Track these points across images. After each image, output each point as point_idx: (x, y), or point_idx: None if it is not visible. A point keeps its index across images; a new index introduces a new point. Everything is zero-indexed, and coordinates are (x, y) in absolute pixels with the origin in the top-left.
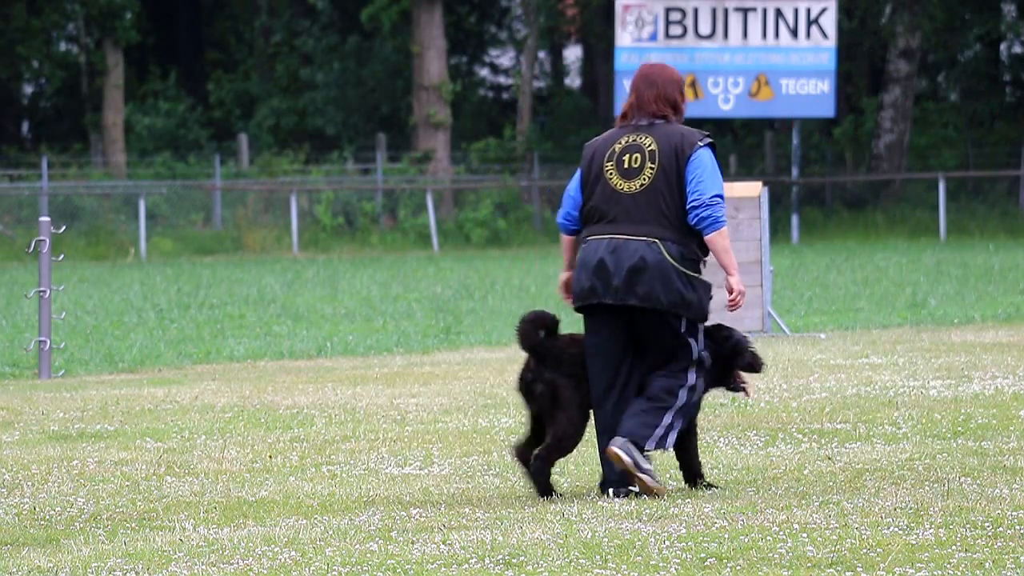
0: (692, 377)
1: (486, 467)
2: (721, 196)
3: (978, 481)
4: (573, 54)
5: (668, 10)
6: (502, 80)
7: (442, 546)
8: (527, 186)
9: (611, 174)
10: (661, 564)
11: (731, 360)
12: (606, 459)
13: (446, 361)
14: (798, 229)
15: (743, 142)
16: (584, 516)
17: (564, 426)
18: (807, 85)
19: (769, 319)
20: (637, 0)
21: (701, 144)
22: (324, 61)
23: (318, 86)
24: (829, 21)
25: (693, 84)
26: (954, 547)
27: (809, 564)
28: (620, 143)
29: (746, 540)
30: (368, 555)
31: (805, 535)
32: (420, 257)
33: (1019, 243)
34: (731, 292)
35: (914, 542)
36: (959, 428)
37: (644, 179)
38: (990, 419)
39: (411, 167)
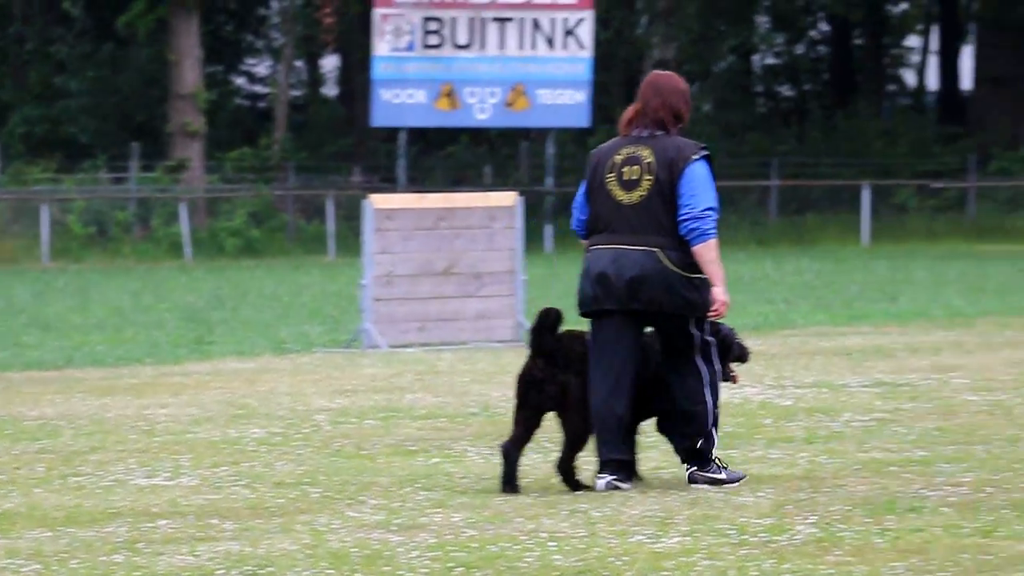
0: (702, 366)
1: (235, 478)
2: (713, 209)
3: (724, 489)
4: (330, 63)
5: (426, 20)
6: (258, 89)
7: (189, 557)
8: (281, 195)
9: (612, 185)
10: (410, 574)
11: (724, 355)
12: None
13: (197, 371)
14: (552, 239)
15: (499, 152)
16: (333, 527)
17: (578, 424)
18: (563, 95)
19: (521, 328)
20: (395, 10)
21: (696, 157)
22: (78, 69)
23: (72, 94)
24: (586, 31)
25: (450, 94)
26: (699, 555)
27: (556, 572)
28: (621, 154)
29: (495, 549)
30: (114, 567)
31: (553, 544)
32: (173, 267)
33: (769, 253)
34: (714, 299)
35: (660, 550)
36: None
37: (642, 191)
38: (738, 427)
39: (165, 176)
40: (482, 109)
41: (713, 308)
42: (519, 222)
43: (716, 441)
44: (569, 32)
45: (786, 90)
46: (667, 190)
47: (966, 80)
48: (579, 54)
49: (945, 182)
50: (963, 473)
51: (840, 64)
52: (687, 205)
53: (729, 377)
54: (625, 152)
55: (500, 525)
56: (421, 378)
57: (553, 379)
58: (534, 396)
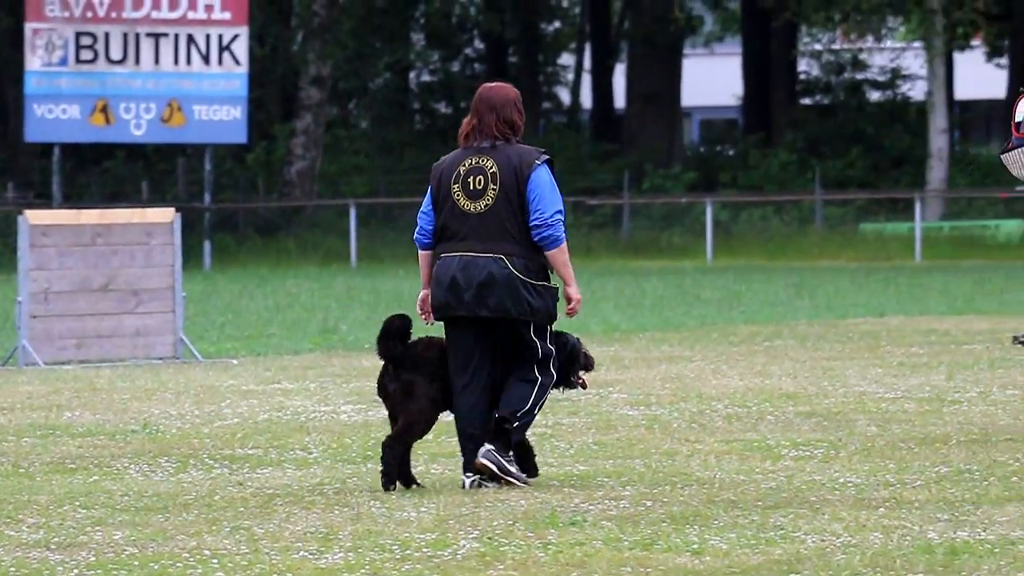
0: (540, 374)
1: None
2: (561, 212)
3: (387, 505)
4: None
5: (79, 34)
6: None
7: None
8: None
9: (458, 195)
10: None
11: (570, 365)
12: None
13: None
14: (210, 255)
15: (155, 168)
16: None
17: (414, 413)
18: (219, 111)
19: (181, 345)
20: (46, 24)
21: (538, 163)
22: None
23: None
24: (241, 48)
25: (105, 110)
26: (363, 570)
27: None
28: (464, 165)
29: (156, 567)
30: None
31: (216, 561)
32: None
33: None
34: (569, 301)
35: (323, 566)
36: (369, 452)
37: (488, 199)
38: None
39: None
40: (138, 125)
41: (569, 307)
42: (177, 239)
43: (522, 438)
44: (224, 48)
45: (443, 107)
46: (513, 198)
47: (619, 98)
48: (235, 70)
49: (600, 199)
50: (623, 487)
51: (495, 81)
52: (537, 211)
53: (576, 384)
54: (469, 163)
55: (162, 543)
56: (79, 395)
57: (397, 380)
58: (383, 398)
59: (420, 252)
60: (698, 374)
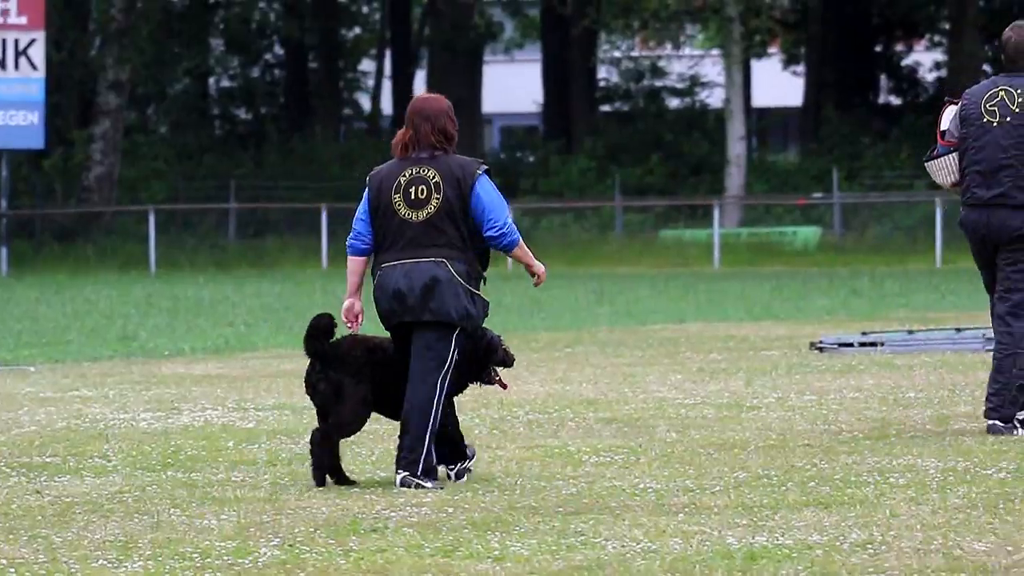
0: (441, 384)
1: None
2: (510, 215)
3: (187, 512)
4: None
5: None
6: None
7: None
8: None
9: (399, 205)
10: None
11: (487, 357)
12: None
13: None
14: (7, 262)
15: None
16: None
17: (345, 414)
18: (16, 116)
19: None
20: None
21: (479, 173)
22: None
23: None
24: (38, 52)
25: None
26: None
27: None
28: (405, 175)
29: None
30: None
31: (13, 570)
32: None
33: (229, 276)
34: (536, 275)
35: (123, 574)
36: (169, 460)
37: (431, 208)
38: (199, 450)
39: None
40: None
41: (538, 277)
42: None
43: (433, 453)
44: (21, 53)
45: (243, 113)
46: (456, 206)
47: None
48: (31, 75)
49: None
50: (424, 493)
51: (296, 88)
52: (491, 220)
53: (493, 382)
54: (409, 173)
55: None
56: None
57: (326, 378)
58: (312, 395)
59: (350, 258)
60: None
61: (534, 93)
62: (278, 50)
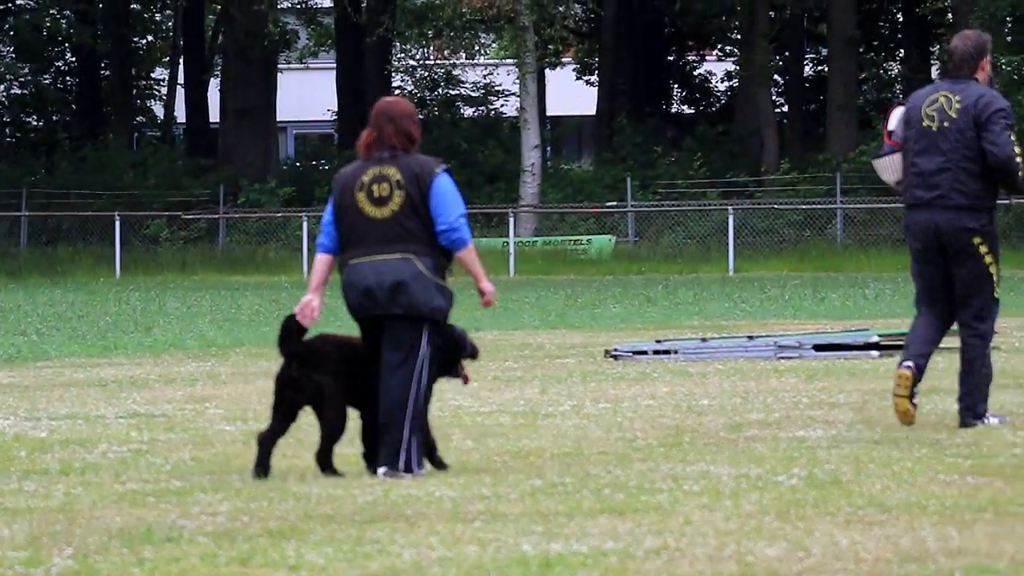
0: (418, 376)
1: None
2: (464, 215)
3: None
4: None
5: None
6: None
7: None
8: None
9: (363, 203)
10: None
11: (456, 352)
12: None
13: None
14: None
15: None
16: None
17: (333, 420)
18: None
19: None
20: None
21: (439, 171)
22: None
23: None
24: None
25: None
26: None
27: None
28: (368, 174)
29: None
30: None
31: None
32: None
33: (21, 284)
34: (484, 294)
35: None
36: None
37: (394, 206)
38: None
39: None
40: None
41: (484, 299)
42: None
43: (412, 465)
44: None
45: (34, 120)
46: (418, 203)
47: (214, 112)
48: None
49: (195, 213)
50: (219, 502)
51: (88, 95)
52: (442, 216)
53: (460, 375)
54: (372, 172)
55: None
56: None
57: (309, 379)
58: (290, 395)
59: (318, 256)
60: None
61: (329, 101)
62: (70, 57)
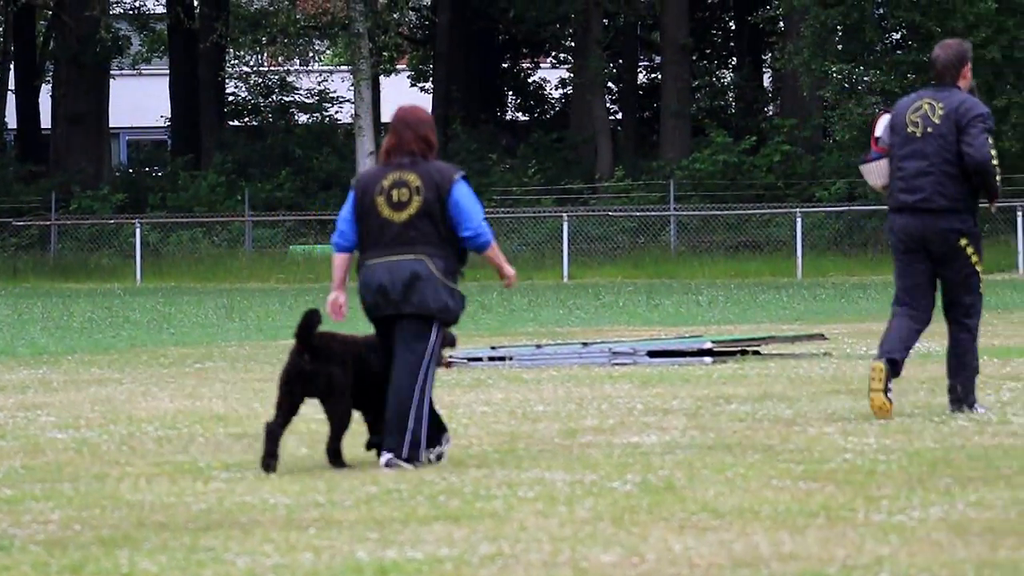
0: (424, 371)
1: None
2: (484, 218)
3: None
4: None
5: None
6: None
7: None
8: None
9: (382, 207)
10: None
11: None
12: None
13: None
14: None
15: None
16: None
17: (341, 411)
18: None
19: None
20: None
21: (457, 179)
22: None
23: None
24: None
25: None
26: None
27: None
28: (388, 179)
29: None
30: None
31: None
32: None
33: None
34: (506, 277)
35: None
36: None
37: (412, 210)
38: None
39: None
40: None
41: (508, 280)
42: None
43: (419, 451)
44: None
45: None
46: (435, 209)
47: (46, 119)
48: None
49: (27, 220)
50: (51, 511)
51: None
52: (467, 223)
53: (444, 363)
54: (392, 177)
55: None
56: None
57: (319, 371)
58: (299, 386)
59: (335, 255)
60: (128, 396)
61: (162, 107)
62: None
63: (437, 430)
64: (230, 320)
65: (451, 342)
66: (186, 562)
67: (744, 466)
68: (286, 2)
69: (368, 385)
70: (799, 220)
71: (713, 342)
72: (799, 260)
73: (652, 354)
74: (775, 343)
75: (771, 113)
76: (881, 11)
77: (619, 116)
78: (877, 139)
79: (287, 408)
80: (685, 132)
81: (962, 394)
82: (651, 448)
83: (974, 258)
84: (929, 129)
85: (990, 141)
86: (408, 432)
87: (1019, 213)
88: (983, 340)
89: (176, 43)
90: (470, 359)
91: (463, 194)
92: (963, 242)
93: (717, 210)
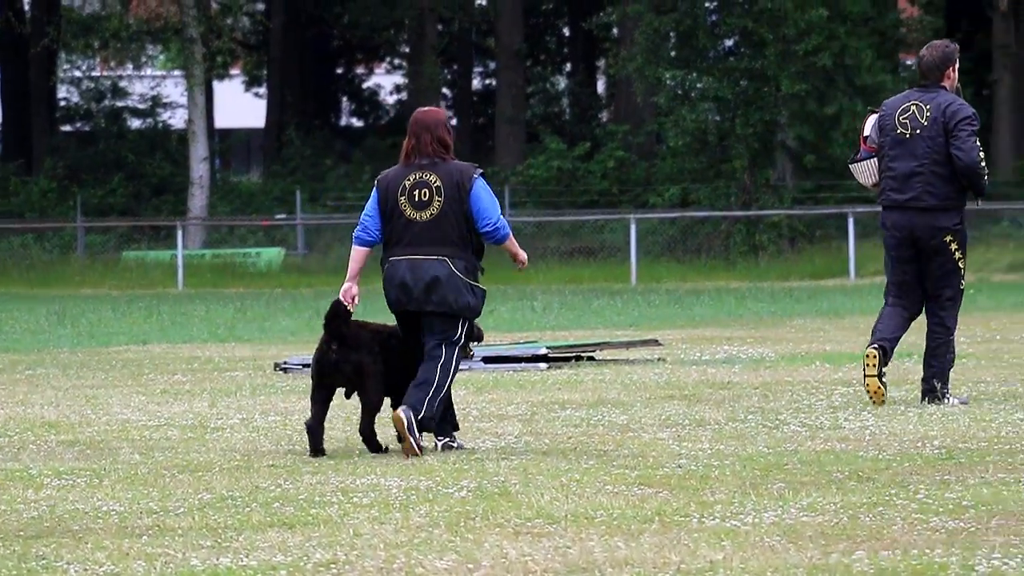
0: (449, 359)
1: None
2: (500, 214)
3: None
4: None
5: None
6: None
7: None
8: None
9: (405, 206)
10: None
11: (468, 335)
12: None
13: None
14: None
15: None
16: None
17: (371, 395)
18: None
19: None
20: None
21: (475, 177)
22: None
23: None
24: None
25: None
26: None
27: None
28: (409, 179)
29: None
30: None
31: None
32: None
33: None
34: (519, 259)
35: None
36: None
37: (433, 210)
38: None
39: None
40: None
41: (520, 262)
42: None
43: (434, 412)
44: None
45: None
46: (456, 208)
47: None
48: None
49: None
50: None
51: None
52: (486, 217)
53: (470, 354)
54: (413, 178)
55: None
56: None
57: (348, 360)
58: (329, 375)
59: (355, 248)
60: None
61: None
62: None
63: (450, 424)
64: (62, 326)
65: (479, 336)
66: (17, 571)
67: (579, 472)
68: (119, 6)
69: (395, 371)
70: (633, 226)
71: (548, 348)
72: (633, 266)
73: (487, 360)
74: (610, 349)
75: (605, 119)
76: (714, 18)
77: (454, 122)
78: (866, 138)
79: (322, 399)
80: (520, 138)
81: (935, 385)
82: (486, 454)
83: (958, 255)
84: (918, 131)
85: (978, 143)
86: (423, 413)
87: (850, 219)
88: (815, 346)
89: (6, 47)
90: (305, 365)
91: (483, 191)
92: (948, 238)
93: (552, 216)
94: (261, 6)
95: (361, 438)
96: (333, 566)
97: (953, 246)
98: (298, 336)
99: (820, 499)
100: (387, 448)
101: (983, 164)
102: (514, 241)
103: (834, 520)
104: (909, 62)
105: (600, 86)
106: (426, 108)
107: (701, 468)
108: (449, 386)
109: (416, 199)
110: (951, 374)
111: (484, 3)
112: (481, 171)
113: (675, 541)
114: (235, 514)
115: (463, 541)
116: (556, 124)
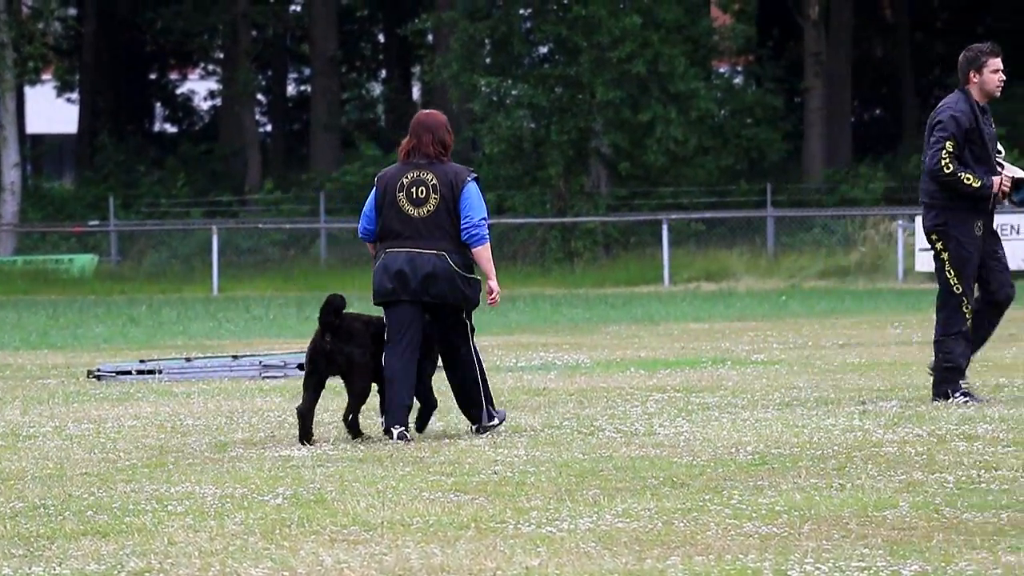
0: (471, 345)
1: None
2: (486, 219)
3: None
4: None
5: None
6: None
7: None
8: None
9: (403, 202)
10: None
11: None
12: (389, 408)
13: None
14: None
15: None
16: None
17: (360, 384)
18: None
19: None
20: None
21: (469, 179)
22: None
23: None
24: None
25: None
26: None
27: None
28: (407, 177)
29: None
30: None
31: None
32: None
33: None
34: (491, 292)
35: None
36: None
37: (430, 207)
38: None
39: None
40: None
41: (491, 296)
42: None
43: (494, 411)
44: None
45: None
46: (450, 206)
47: None
48: None
49: None
50: None
51: None
52: (467, 217)
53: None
54: (411, 176)
55: None
56: None
57: (340, 351)
58: (323, 365)
59: (369, 244)
60: None
61: None
62: None
63: (426, 407)
64: None
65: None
66: None
67: (395, 479)
68: None
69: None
70: None
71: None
72: None
73: (302, 367)
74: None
75: None
76: (529, 25)
77: (269, 128)
78: None
79: (313, 386)
80: (335, 145)
81: (937, 383)
82: (302, 461)
83: (944, 255)
84: (926, 132)
85: (948, 148)
86: (482, 401)
87: (664, 226)
88: (630, 352)
89: None
90: (119, 372)
91: (472, 192)
92: (934, 237)
93: None
94: (73, 11)
95: (344, 424)
96: (147, 574)
97: (940, 245)
98: (111, 343)
99: (635, 505)
100: (368, 436)
101: (945, 170)
102: (489, 257)
103: (649, 526)
104: (722, 70)
105: (415, 92)
106: (428, 111)
107: (517, 474)
108: (484, 373)
109: (414, 196)
110: (960, 374)
111: (299, 9)
112: (476, 175)
113: (491, 547)
114: (48, 523)
115: (278, 548)
116: (372, 130)
